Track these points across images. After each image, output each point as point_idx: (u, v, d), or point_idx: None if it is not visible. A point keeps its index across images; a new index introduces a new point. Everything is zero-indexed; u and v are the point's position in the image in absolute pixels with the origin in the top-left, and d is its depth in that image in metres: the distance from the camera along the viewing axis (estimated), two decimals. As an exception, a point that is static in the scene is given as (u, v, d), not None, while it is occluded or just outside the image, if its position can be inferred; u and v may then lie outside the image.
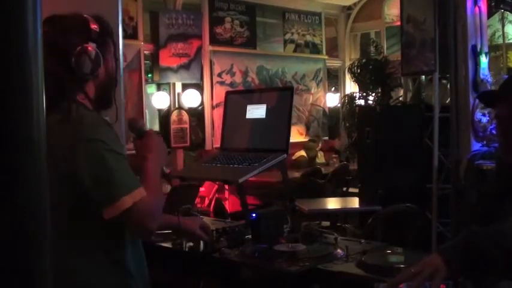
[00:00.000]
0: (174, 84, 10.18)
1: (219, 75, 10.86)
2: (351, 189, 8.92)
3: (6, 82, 0.80)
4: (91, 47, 2.05)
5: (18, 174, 0.82)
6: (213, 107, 10.64)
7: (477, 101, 5.88)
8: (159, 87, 11.59)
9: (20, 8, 0.81)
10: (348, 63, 12.90)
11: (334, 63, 13.70)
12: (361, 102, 11.48)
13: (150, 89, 11.97)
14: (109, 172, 1.92)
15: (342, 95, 13.09)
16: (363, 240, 2.63)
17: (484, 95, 3.05)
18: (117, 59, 2.26)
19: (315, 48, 12.89)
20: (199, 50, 10.25)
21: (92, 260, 2.02)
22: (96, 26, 2.10)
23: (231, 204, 8.54)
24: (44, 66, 1.95)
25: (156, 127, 12.48)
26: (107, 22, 2.19)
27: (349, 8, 13.57)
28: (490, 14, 6.76)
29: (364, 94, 11.48)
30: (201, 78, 10.52)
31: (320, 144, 11.10)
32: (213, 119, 10.60)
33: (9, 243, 0.81)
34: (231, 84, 10.92)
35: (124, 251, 2.06)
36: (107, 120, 2.07)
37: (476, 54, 6.05)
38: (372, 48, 11.86)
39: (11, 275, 0.81)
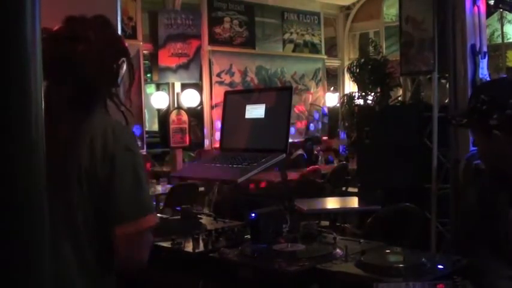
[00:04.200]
0: (173, 84, 10.19)
1: (218, 75, 10.87)
2: (350, 189, 8.93)
3: (5, 83, 0.80)
4: (123, 63, 2.06)
5: (17, 175, 0.82)
6: (212, 107, 10.66)
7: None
8: (158, 87, 11.63)
9: (18, 9, 0.81)
10: (346, 63, 12.91)
11: (333, 63, 13.71)
12: (360, 102, 11.50)
13: (149, 89, 12.00)
14: (139, 188, 1.87)
15: (341, 95, 13.10)
16: (362, 240, 2.63)
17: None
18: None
19: (314, 48, 12.90)
20: (198, 50, 10.26)
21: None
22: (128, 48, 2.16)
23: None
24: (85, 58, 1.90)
25: (155, 127, 12.51)
26: None
27: (348, 7, 13.58)
28: (488, 14, 6.77)
29: (363, 94, 11.50)
30: (200, 78, 10.53)
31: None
32: (212, 118, 10.62)
33: (7, 244, 0.81)
34: (230, 84, 10.93)
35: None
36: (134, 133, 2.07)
37: (475, 54, 6.05)
38: (371, 48, 11.88)
39: (8, 276, 0.81)
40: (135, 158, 1.89)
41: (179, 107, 10.06)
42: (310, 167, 9.05)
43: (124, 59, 2.04)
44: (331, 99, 13.34)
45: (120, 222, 1.83)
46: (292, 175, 7.88)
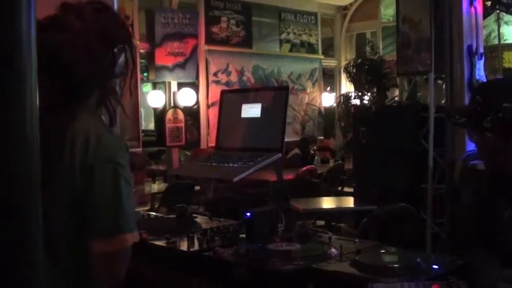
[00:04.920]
0: (169, 83, 10.19)
1: (215, 74, 10.86)
2: (346, 189, 8.94)
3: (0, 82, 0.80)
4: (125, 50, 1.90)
5: (11, 175, 0.82)
6: (208, 106, 10.65)
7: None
8: (154, 86, 11.61)
9: (13, 6, 0.81)
10: (343, 63, 12.93)
11: (329, 63, 13.72)
12: (357, 102, 11.52)
13: (146, 87, 11.99)
14: (119, 202, 1.71)
15: (338, 95, 13.11)
16: (357, 240, 2.63)
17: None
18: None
19: (310, 48, 12.90)
20: (195, 49, 10.25)
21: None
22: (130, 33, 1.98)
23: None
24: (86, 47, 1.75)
25: (152, 126, 12.50)
26: None
27: (345, 8, 13.59)
28: (485, 15, 6.77)
29: (360, 94, 11.52)
30: (197, 77, 10.53)
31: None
32: (209, 118, 10.61)
33: (1, 243, 0.81)
34: (227, 84, 10.93)
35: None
36: (126, 144, 1.87)
37: (471, 55, 6.05)
38: (368, 48, 11.90)
39: (5, 280, 0.81)
40: (118, 171, 1.72)
41: (175, 106, 10.05)
42: (306, 167, 9.05)
43: (121, 46, 1.87)
44: (328, 99, 13.34)
45: (95, 238, 1.70)
46: (288, 174, 7.88)
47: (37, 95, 0.86)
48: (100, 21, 1.85)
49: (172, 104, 10.11)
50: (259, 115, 2.86)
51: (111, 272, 1.76)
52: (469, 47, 6.08)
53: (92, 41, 1.79)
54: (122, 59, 1.88)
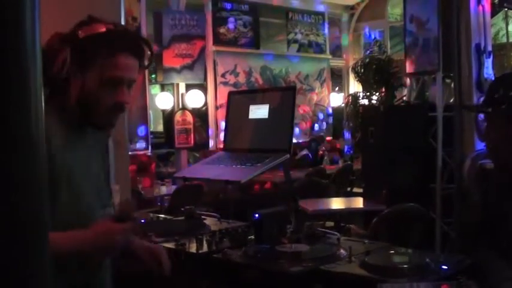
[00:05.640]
0: (177, 84, 10.19)
1: (223, 75, 10.86)
2: (355, 189, 8.92)
3: (4, 82, 0.80)
4: (63, 51, 1.90)
5: (16, 176, 0.82)
6: (216, 108, 10.65)
7: (481, 100, 5.87)
8: (162, 87, 11.61)
9: (17, 9, 0.81)
10: (351, 63, 12.90)
11: (337, 63, 13.70)
12: (365, 101, 11.49)
13: (154, 89, 11.99)
14: None
15: (346, 95, 13.09)
16: (366, 241, 2.62)
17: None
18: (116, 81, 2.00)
19: (318, 48, 12.88)
20: (202, 50, 10.26)
21: None
22: (85, 32, 1.94)
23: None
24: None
25: (160, 128, 12.52)
26: (117, 35, 2.01)
27: (353, 7, 13.56)
28: (493, 13, 6.75)
29: (368, 94, 11.49)
30: (205, 79, 10.53)
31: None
32: (217, 119, 10.61)
33: (6, 246, 0.80)
34: (235, 85, 10.93)
35: None
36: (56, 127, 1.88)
37: (479, 53, 6.03)
38: (376, 48, 11.86)
39: (7, 280, 0.81)
40: None
41: (184, 108, 10.06)
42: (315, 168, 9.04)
43: (67, 48, 1.90)
44: (336, 99, 13.33)
45: None
46: (297, 175, 7.87)
47: (42, 95, 0.86)
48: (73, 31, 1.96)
49: (180, 106, 10.12)
50: (266, 116, 2.85)
51: None
52: (477, 46, 6.06)
53: (49, 41, 1.91)
54: (62, 57, 1.90)
